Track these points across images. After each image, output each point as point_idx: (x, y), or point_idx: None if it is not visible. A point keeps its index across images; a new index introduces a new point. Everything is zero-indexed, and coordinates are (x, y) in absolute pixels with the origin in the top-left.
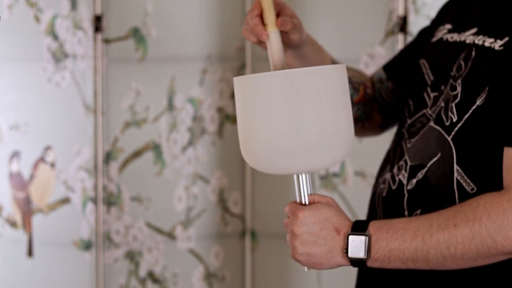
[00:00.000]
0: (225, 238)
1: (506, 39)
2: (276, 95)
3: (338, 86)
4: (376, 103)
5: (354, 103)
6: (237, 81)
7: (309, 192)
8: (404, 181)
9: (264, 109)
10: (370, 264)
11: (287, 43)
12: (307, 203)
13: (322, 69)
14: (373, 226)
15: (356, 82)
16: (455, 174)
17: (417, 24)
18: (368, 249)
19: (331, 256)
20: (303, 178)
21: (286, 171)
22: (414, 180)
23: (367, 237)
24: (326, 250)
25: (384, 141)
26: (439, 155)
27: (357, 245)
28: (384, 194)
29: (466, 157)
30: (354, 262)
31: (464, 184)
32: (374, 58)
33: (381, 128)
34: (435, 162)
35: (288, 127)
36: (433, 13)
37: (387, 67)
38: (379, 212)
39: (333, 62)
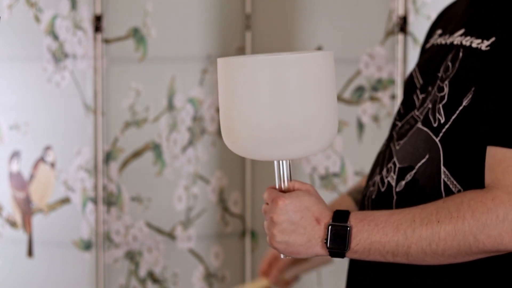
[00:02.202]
0: (225, 238)
1: (493, 39)
2: (261, 80)
3: (324, 74)
4: None
5: None
6: (222, 63)
7: (289, 179)
8: (393, 183)
9: (248, 94)
10: (349, 255)
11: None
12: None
13: (308, 57)
14: (354, 217)
15: None
16: (442, 176)
17: (417, 24)
18: (348, 241)
19: (310, 245)
20: (283, 164)
21: (267, 157)
22: (403, 182)
23: (348, 228)
24: (305, 240)
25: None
26: (427, 156)
27: (337, 236)
28: (373, 196)
29: (453, 158)
30: (333, 253)
31: (451, 186)
32: (374, 58)
33: None
34: (423, 164)
35: (272, 114)
36: (433, 13)
37: None
38: None
39: (356, 202)
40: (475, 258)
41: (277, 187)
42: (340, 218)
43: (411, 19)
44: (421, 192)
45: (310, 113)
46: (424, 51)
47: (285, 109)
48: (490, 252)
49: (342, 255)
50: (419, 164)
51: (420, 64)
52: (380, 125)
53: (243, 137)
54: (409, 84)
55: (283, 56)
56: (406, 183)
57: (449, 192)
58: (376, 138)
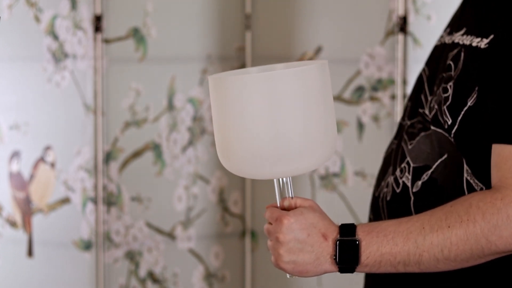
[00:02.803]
0: (225, 238)
1: (491, 36)
2: (255, 98)
3: (321, 86)
4: None
5: None
6: (213, 82)
7: (291, 196)
8: (409, 184)
9: (242, 113)
10: (359, 269)
11: None
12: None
13: (303, 71)
14: (361, 230)
15: None
16: (465, 175)
17: (417, 24)
18: (358, 255)
19: (318, 263)
20: (284, 181)
21: (267, 176)
22: (419, 182)
23: (357, 242)
24: (314, 258)
25: (384, 141)
26: (445, 155)
27: (346, 251)
28: (388, 198)
29: (470, 157)
30: (343, 268)
31: (473, 185)
32: (374, 58)
33: None
34: (441, 163)
35: (269, 132)
36: (433, 13)
37: None
38: (384, 216)
39: None
40: (486, 260)
41: (278, 205)
42: (347, 232)
43: (411, 19)
44: (440, 192)
45: (311, 128)
46: (432, 50)
47: (282, 125)
48: (502, 253)
49: (352, 270)
50: (437, 163)
51: (428, 63)
52: (380, 125)
53: (241, 157)
54: (418, 83)
55: (277, 72)
56: (423, 183)
57: (472, 191)
58: (376, 138)
